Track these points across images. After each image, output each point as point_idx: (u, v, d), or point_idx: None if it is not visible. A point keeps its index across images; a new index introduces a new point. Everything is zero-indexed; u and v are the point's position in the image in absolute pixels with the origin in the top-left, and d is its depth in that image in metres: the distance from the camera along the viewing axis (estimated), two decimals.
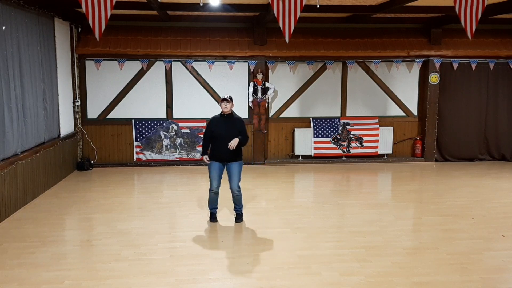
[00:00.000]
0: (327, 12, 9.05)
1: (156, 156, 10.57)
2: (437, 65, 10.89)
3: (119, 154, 10.60)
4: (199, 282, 4.77)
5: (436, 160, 11.24)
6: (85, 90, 10.35)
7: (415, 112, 11.32)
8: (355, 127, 10.97)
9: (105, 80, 10.37)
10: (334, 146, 10.94)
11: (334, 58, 10.69)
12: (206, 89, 10.60)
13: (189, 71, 10.57)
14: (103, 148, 10.55)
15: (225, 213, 7.01)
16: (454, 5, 5.56)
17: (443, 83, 11.03)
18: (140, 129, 10.47)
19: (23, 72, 7.40)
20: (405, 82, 11.19)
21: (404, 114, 11.31)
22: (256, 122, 10.70)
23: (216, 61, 10.49)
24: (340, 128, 10.94)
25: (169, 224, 6.71)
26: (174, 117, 10.61)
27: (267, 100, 10.66)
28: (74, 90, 10.04)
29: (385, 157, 11.23)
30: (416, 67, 11.10)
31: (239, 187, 6.49)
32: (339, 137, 10.94)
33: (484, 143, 11.29)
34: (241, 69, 10.66)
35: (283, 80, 10.87)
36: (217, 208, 6.72)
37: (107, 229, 6.37)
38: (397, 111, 11.27)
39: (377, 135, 10.98)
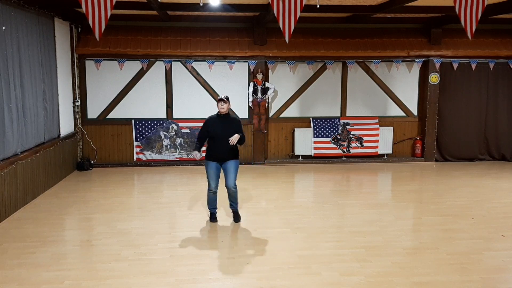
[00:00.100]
0: (327, 12, 9.05)
1: (156, 156, 10.57)
2: (437, 65, 10.89)
3: (119, 154, 10.61)
4: (199, 282, 4.77)
5: (436, 160, 11.24)
6: (85, 90, 10.36)
7: (415, 112, 11.33)
8: (355, 127, 10.97)
9: (105, 80, 10.38)
10: (334, 146, 10.94)
11: (334, 58, 10.70)
12: (206, 89, 10.61)
13: (189, 71, 10.57)
14: (103, 148, 10.55)
15: (225, 213, 7.00)
16: (454, 5, 5.56)
17: (443, 83, 11.03)
18: (140, 129, 10.48)
19: (23, 72, 7.40)
20: (405, 82, 11.20)
21: (404, 114, 11.31)
22: (256, 122, 10.70)
23: (216, 61, 10.49)
24: (340, 128, 10.94)
25: (169, 224, 6.71)
26: (174, 117, 10.61)
27: (267, 100, 10.66)
28: (74, 90, 10.04)
29: (385, 157, 11.23)
30: (416, 67, 11.10)
31: (235, 185, 6.48)
32: (339, 137, 10.94)
33: (484, 143, 11.29)
34: (241, 69, 10.66)
35: (283, 80, 10.88)
36: (216, 208, 6.72)
37: (107, 229, 6.37)
38: (397, 111, 11.28)
39: (377, 135, 10.99)
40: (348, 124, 10.96)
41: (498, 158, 11.32)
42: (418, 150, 11.23)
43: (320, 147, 10.88)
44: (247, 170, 10.19)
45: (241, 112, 10.73)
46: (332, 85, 11.01)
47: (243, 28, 10.71)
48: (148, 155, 10.55)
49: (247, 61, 10.56)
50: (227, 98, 6.41)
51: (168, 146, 10.57)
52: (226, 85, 10.63)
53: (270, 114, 10.94)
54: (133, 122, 10.47)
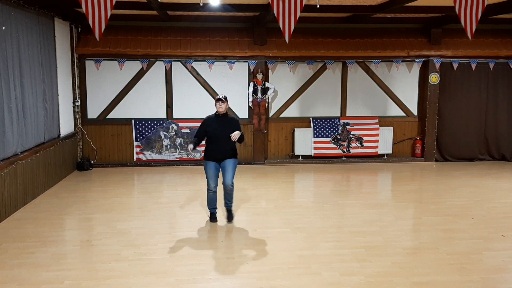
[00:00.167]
0: (327, 12, 9.05)
1: (156, 156, 10.57)
2: (437, 65, 10.89)
3: (119, 154, 10.61)
4: (199, 282, 4.77)
5: (436, 160, 11.24)
6: (85, 90, 10.36)
7: (415, 112, 11.33)
8: (355, 127, 10.97)
9: (105, 80, 10.38)
10: (334, 146, 10.94)
11: (334, 58, 10.70)
12: (206, 89, 10.61)
13: (189, 71, 10.57)
14: (103, 148, 10.55)
15: (225, 213, 7.00)
16: (454, 5, 5.56)
17: (443, 83, 11.03)
18: (140, 129, 10.48)
19: (23, 72, 7.40)
20: (405, 82, 11.20)
21: (404, 114, 11.31)
22: (256, 122, 10.70)
23: (216, 61, 10.49)
24: (340, 128, 10.94)
25: (169, 224, 6.71)
26: (174, 117, 10.61)
27: (267, 100, 10.66)
28: (74, 90, 10.04)
29: (385, 157, 11.23)
30: (416, 67, 11.11)
31: (232, 183, 6.47)
32: (339, 137, 10.94)
33: (484, 143, 11.29)
34: (241, 69, 10.66)
35: (283, 80, 10.88)
36: (216, 208, 6.72)
37: (107, 229, 6.37)
38: (397, 111, 11.28)
39: (377, 135, 10.99)
40: (348, 124, 10.96)
41: (498, 158, 11.32)
42: (418, 150, 11.23)
43: (320, 147, 10.89)
44: (247, 170, 10.19)
45: (241, 112, 10.73)
46: (332, 85, 11.01)
47: (243, 28, 10.71)
48: (148, 155, 10.55)
49: (247, 61, 10.56)
50: (225, 98, 6.41)
51: (168, 146, 10.57)
52: (226, 85, 10.63)
53: (270, 114, 10.94)
54: (133, 122, 10.47)
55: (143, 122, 10.48)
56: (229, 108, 10.40)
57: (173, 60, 10.43)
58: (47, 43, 8.48)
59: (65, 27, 9.54)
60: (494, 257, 5.45)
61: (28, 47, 7.59)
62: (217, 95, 6.97)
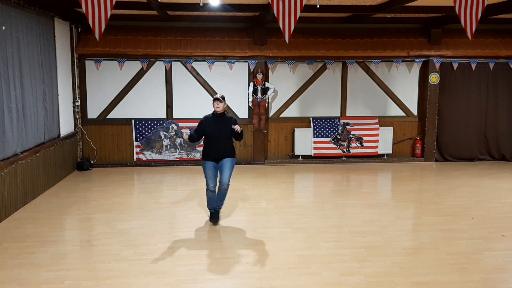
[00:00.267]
0: (327, 12, 9.05)
1: (156, 156, 10.57)
2: (437, 65, 10.89)
3: (119, 154, 10.61)
4: (199, 282, 4.77)
5: (436, 160, 11.24)
6: (85, 90, 10.35)
7: (415, 112, 11.33)
8: (355, 127, 10.97)
9: (105, 80, 10.38)
10: (334, 146, 10.94)
11: (334, 58, 10.70)
12: (206, 89, 10.61)
13: (189, 71, 10.57)
14: (103, 148, 10.55)
15: (225, 213, 7.00)
16: (454, 5, 5.56)
17: (443, 83, 11.03)
18: (140, 129, 10.48)
19: (23, 72, 7.40)
20: (405, 82, 11.20)
21: (404, 114, 11.31)
22: (256, 122, 10.70)
23: (216, 61, 10.49)
24: (340, 128, 10.94)
25: (169, 224, 6.71)
26: (174, 117, 10.61)
27: (267, 100, 10.66)
28: (74, 90, 10.04)
29: (385, 157, 11.23)
30: (416, 67, 11.11)
31: (228, 182, 6.44)
32: (339, 137, 10.94)
33: (484, 143, 11.30)
34: (241, 69, 10.66)
35: (283, 80, 10.88)
36: (222, 204, 6.69)
37: (107, 229, 6.37)
38: (397, 111, 11.28)
39: (377, 135, 10.99)
40: (348, 124, 10.96)
41: (498, 158, 11.32)
42: (418, 150, 11.23)
43: (320, 147, 10.88)
44: (247, 170, 10.19)
45: (241, 112, 10.73)
46: (332, 85, 11.01)
47: (243, 28, 10.71)
48: (148, 155, 10.55)
49: (247, 61, 10.56)
50: (223, 97, 6.41)
51: (168, 146, 10.57)
52: (226, 85, 10.63)
53: (270, 114, 10.94)
54: (133, 122, 10.47)
55: (143, 122, 10.48)
56: (228, 107, 10.55)
57: (173, 60, 10.43)
58: (47, 43, 8.48)
59: (65, 27, 9.54)
60: (494, 257, 5.45)
61: (28, 47, 7.59)
62: (215, 94, 6.97)
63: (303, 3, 5.42)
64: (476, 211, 7.25)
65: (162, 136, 10.53)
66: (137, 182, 9.37)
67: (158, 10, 8.73)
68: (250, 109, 10.72)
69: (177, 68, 10.54)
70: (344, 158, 11.07)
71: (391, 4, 8.29)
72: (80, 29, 10.13)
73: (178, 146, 10.59)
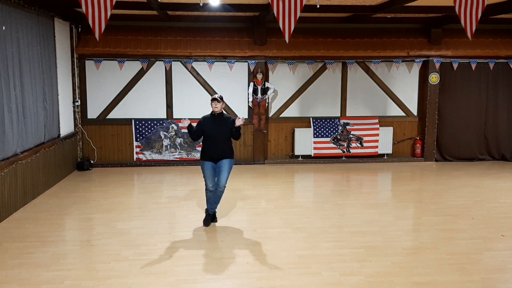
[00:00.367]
0: (327, 12, 9.05)
1: (156, 156, 10.57)
2: (437, 65, 10.89)
3: (119, 154, 10.61)
4: (199, 282, 4.77)
5: (436, 160, 11.24)
6: (85, 90, 10.36)
7: (415, 112, 11.33)
8: (355, 127, 10.97)
9: (105, 80, 10.38)
10: (334, 146, 10.94)
11: (334, 58, 10.70)
12: (206, 89, 10.61)
13: (189, 71, 10.57)
14: (103, 148, 10.55)
15: (225, 213, 7.01)
16: (454, 5, 5.56)
17: (443, 83, 11.04)
18: (140, 129, 10.48)
19: (23, 72, 7.40)
20: (405, 82, 11.20)
21: (404, 114, 11.31)
22: (256, 122, 10.70)
23: (216, 61, 10.49)
24: (340, 128, 10.94)
25: (169, 224, 6.71)
26: (174, 117, 10.61)
27: (267, 100, 10.66)
28: (74, 90, 10.04)
29: (385, 157, 11.23)
30: (416, 67, 11.11)
31: (225, 185, 6.41)
32: (339, 137, 10.94)
33: (484, 143, 11.30)
34: (241, 69, 10.66)
35: (283, 80, 10.88)
36: (216, 207, 6.70)
37: (107, 229, 6.37)
38: (397, 111, 11.28)
39: (377, 135, 10.99)
40: (348, 124, 10.96)
41: (498, 158, 11.32)
42: (418, 150, 11.23)
43: (320, 147, 10.88)
44: (247, 170, 10.19)
45: (241, 112, 10.72)
46: (332, 85, 11.01)
47: (243, 28, 10.71)
48: (148, 155, 10.55)
49: (247, 61, 10.56)
50: (221, 98, 6.41)
51: (168, 146, 10.57)
52: (226, 85, 10.63)
53: (270, 114, 10.94)
54: (133, 122, 10.47)
55: (143, 122, 10.48)
56: (228, 107, 10.55)
57: (173, 60, 10.43)
58: (47, 43, 8.48)
59: (65, 27, 9.54)
60: (494, 257, 5.45)
61: (28, 47, 7.59)
62: (214, 94, 6.97)
63: (303, 3, 5.41)
64: (476, 211, 7.25)
65: (162, 136, 10.53)
66: (137, 182, 9.37)
67: (158, 10, 8.73)
68: (250, 109, 10.72)
69: (177, 68, 10.54)
70: (344, 158, 11.07)
71: (391, 4, 8.29)
72: (80, 29, 10.13)
73: (178, 146, 10.60)
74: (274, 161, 10.94)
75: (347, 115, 11.12)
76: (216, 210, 6.66)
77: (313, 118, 10.96)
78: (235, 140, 6.64)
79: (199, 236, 6.14)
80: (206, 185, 6.49)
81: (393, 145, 11.19)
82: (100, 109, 10.45)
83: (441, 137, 11.18)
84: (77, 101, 10.12)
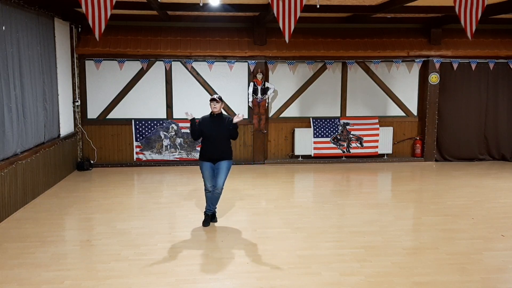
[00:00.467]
0: (327, 12, 9.05)
1: (156, 156, 10.57)
2: (437, 65, 10.89)
3: (119, 154, 10.61)
4: (199, 282, 4.77)
5: (436, 160, 11.24)
6: (85, 90, 10.36)
7: (415, 112, 11.33)
8: (355, 127, 10.97)
9: (105, 80, 10.38)
10: (334, 146, 10.94)
11: (334, 58, 10.70)
12: (206, 89, 10.60)
13: (189, 71, 10.57)
14: (103, 148, 10.55)
15: (225, 213, 7.01)
16: (454, 5, 5.56)
17: (443, 83, 11.04)
18: (140, 129, 10.48)
19: (23, 72, 7.40)
20: (405, 82, 11.20)
21: (404, 114, 11.31)
22: (256, 122, 10.70)
23: (216, 61, 10.49)
24: (340, 128, 10.94)
25: (169, 224, 6.71)
26: (174, 117, 10.61)
27: (267, 100, 10.66)
28: (74, 90, 10.04)
29: (385, 157, 11.23)
30: (416, 67, 11.11)
31: (222, 187, 6.41)
32: (339, 137, 10.94)
33: (484, 143, 11.30)
34: (241, 69, 10.66)
35: (283, 80, 10.87)
36: (215, 207, 6.70)
37: (107, 229, 6.37)
38: (397, 111, 11.28)
39: (377, 135, 10.99)
40: (348, 124, 10.96)
41: (498, 158, 11.32)
42: (418, 150, 11.23)
43: (320, 147, 10.88)
44: (247, 170, 10.19)
45: (241, 112, 10.72)
46: (332, 85, 11.01)
47: (243, 28, 10.71)
48: (148, 155, 10.55)
49: (247, 61, 10.56)
50: (220, 98, 6.42)
51: (168, 146, 10.57)
52: (226, 85, 10.63)
53: (270, 114, 10.94)
54: (133, 122, 10.47)
55: (143, 122, 10.48)
56: (228, 108, 10.54)
57: (173, 60, 10.43)
58: (47, 43, 8.48)
59: (65, 27, 9.53)
60: (494, 257, 5.45)
61: (28, 47, 7.59)
62: (213, 94, 6.97)
63: (303, 3, 5.41)
64: (476, 211, 7.25)
65: (162, 136, 10.53)
66: (137, 182, 9.37)
67: (158, 10, 8.73)
68: (250, 109, 10.72)
69: (177, 68, 10.54)
70: (344, 158, 11.07)
71: (391, 4, 8.29)
72: (80, 29, 10.13)
73: (178, 146, 10.59)
74: (274, 161, 10.94)
75: (347, 115, 11.12)
76: (216, 210, 6.68)
77: (313, 118, 10.95)
78: (233, 140, 6.63)
79: (199, 236, 6.14)
80: (205, 185, 6.49)
81: (393, 145, 11.19)
82: (100, 109, 10.45)
83: (441, 137, 11.18)
84: (77, 101, 10.12)
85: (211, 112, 6.45)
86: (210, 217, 6.57)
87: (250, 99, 10.57)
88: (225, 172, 6.39)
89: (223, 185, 6.41)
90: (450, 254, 5.50)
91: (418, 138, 11.27)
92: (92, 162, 10.37)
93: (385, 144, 11.07)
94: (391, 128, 11.11)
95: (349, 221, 6.84)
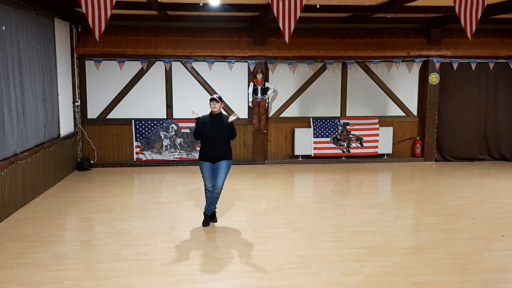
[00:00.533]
0: (327, 12, 9.05)
1: (156, 156, 10.57)
2: (437, 65, 10.89)
3: (119, 154, 10.61)
4: (199, 282, 4.77)
5: (436, 160, 11.24)
6: (85, 90, 10.36)
7: (415, 112, 11.33)
8: (355, 127, 10.97)
9: (105, 80, 10.38)
10: (334, 146, 10.94)
11: (334, 58, 10.70)
12: (206, 89, 10.60)
13: (189, 71, 10.57)
14: (103, 148, 10.55)
15: (225, 213, 7.01)
16: (454, 5, 5.56)
17: (443, 83, 11.04)
18: (140, 129, 10.48)
19: (23, 72, 7.40)
20: (405, 82, 11.20)
21: (404, 114, 11.31)
22: (256, 122, 10.70)
23: (216, 61, 10.49)
24: (340, 128, 10.94)
25: (169, 224, 6.71)
26: (174, 117, 10.61)
27: (267, 100, 10.66)
28: (74, 90, 10.04)
29: (385, 157, 11.23)
30: (416, 67, 11.11)
31: (222, 187, 6.40)
32: (339, 137, 10.94)
33: (484, 143, 11.30)
34: (241, 69, 10.66)
35: (283, 80, 10.87)
36: (215, 207, 6.70)
37: (107, 229, 6.37)
38: (397, 111, 11.28)
39: (377, 135, 10.98)
40: (348, 124, 10.96)
41: (498, 158, 11.32)
42: (418, 150, 11.23)
43: (320, 147, 10.88)
44: (247, 170, 10.19)
45: (241, 112, 10.71)
46: (332, 85, 11.01)
47: (243, 28, 10.71)
48: (148, 155, 10.55)
49: (247, 61, 10.56)
50: (220, 98, 6.42)
51: (168, 146, 10.57)
52: (226, 85, 10.63)
53: (270, 114, 10.94)
54: (133, 122, 10.47)
55: (143, 122, 10.48)
56: (228, 108, 10.54)
57: (173, 60, 10.43)
58: (47, 43, 8.48)
59: (65, 27, 9.53)
60: (494, 257, 5.45)
61: (28, 47, 7.59)
62: (213, 94, 6.97)
63: (303, 3, 5.42)
64: (476, 211, 7.25)
65: (162, 136, 10.53)
66: (137, 182, 9.37)
67: (158, 10, 8.73)
68: (250, 109, 10.72)
69: (177, 68, 10.54)
70: (344, 158, 11.07)
71: (391, 4, 8.29)
72: (80, 29, 10.13)
73: (178, 146, 10.59)
74: (274, 161, 10.94)
75: (347, 115, 11.12)
76: (216, 210, 6.68)
77: (313, 118, 10.95)
78: (232, 140, 6.63)
79: (199, 236, 6.14)
80: (205, 185, 6.49)
81: (393, 145, 11.19)
82: (100, 109, 10.45)
83: (441, 137, 11.18)
84: (77, 101, 10.12)
85: (211, 112, 6.45)
86: (209, 217, 6.57)
87: (250, 99, 10.58)
88: (225, 172, 6.39)
89: (222, 185, 6.41)
90: (450, 254, 5.50)
91: (418, 138, 11.27)
92: (92, 162, 10.37)
93: (385, 144, 11.07)
94: (391, 128, 11.11)
95: (349, 221, 6.84)
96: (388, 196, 8.53)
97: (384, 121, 11.16)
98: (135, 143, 10.51)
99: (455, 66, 10.92)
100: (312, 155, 10.91)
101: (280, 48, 10.44)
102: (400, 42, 10.84)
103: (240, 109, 10.70)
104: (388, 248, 5.68)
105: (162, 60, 10.40)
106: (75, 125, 10.15)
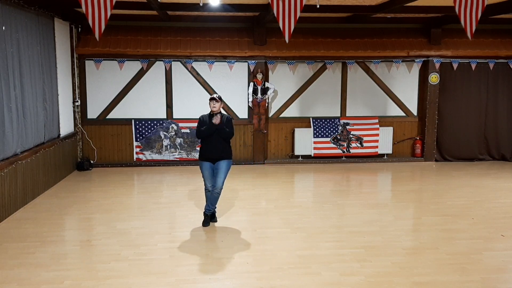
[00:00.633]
0: (327, 12, 9.05)
1: (156, 156, 10.57)
2: (437, 65, 10.89)
3: (119, 154, 10.61)
4: (199, 282, 4.77)
5: (436, 160, 11.24)
6: (85, 90, 10.36)
7: (415, 112, 11.33)
8: (355, 127, 10.97)
9: (105, 80, 10.38)
10: (334, 146, 10.94)
11: (334, 58, 10.70)
12: (206, 89, 10.60)
13: (189, 71, 10.57)
14: (103, 148, 10.55)
15: (225, 213, 7.01)
16: (454, 5, 5.56)
17: (443, 83, 11.04)
18: (140, 129, 10.48)
19: (23, 72, 7.40)
20: (405, 82, 11.20)
21: (404, 114, 11.31)
22: (256, 122, 10.70)
23: (216, 61, 10.49)
24: (340, 128, 10.94)
25: (169, 224, 6.71)
26: (174, 117, 10.61)
27: (267, 100, 10.66)
28: (74, 90, 10.04)
29: (385, 157, 11.23)
30: (416, 67, 11.11)
31: (221, 187, 6.40)
32: (339, 137, 10.94)
33: (484, 143, 11.30)
34: (241, 69, 10.66)
35: (283, 80, 10.87)
36: (215, 207, 6.70)
37: (107, 229, 6.37)
38: (397, 111, 11.28)
39: (377, 135, 10.99)
40: (348, 124, 10.96)
41: (498, 158, 11.32)
42: (418, 150, 11.23)
43: (320, 147, 10.88)
44: (247, 170, 10.19)
45: (241, 112, 10.73)
46: (332, 85, 11.01)
47: (243, 28, 10.71)
48: (148, 155, 10.55)
49: (247, 61, 10.56)
50: (219, 97, 6.42)
51: (168, 146, 10.57)
52: (226, 85, 10.63)
53: (270, 114, 10.94)
54: (133, 122, 10.47)
55: (143, 122, 10.48)
56: (228, 107, 10.54)
57: (173, 60, 10.43)
58: (47, 43, 8.48)
59: (65, 27, 9.53)
60: (494, 257, 5.45)
61: (28, 47, 7.59)
62: (213, 94, 6.97)
63: (303, 3, 5.41)
64: (476, 211, 7.25)
65: (162, 136, 10.53)
66: (137, 182, 9.37)
67: (158, 10, 8.73)
68: (250, 109, 10.72)
69: (177, 68, 10.54)
70: (344, 158, 11.07)
71: (391, 4, 8.29)
72: (80, 29, 10.13)
73: (178, 146, 10.60)
74: (274, 161, 10.94)
75: (347, 115, 11.12)
76: (216, 210, 6.68)
77: (313, 118, 10.96)
78: (232, 140, 6.61)
79: (199, 236, 6.14)
80: (205, 185, 6.49)
81: (393, 145, 11.19)
82: (100, 109, 10.45)
83: (441, 137, 11.18)
84: (77, 101, 10.12)
85: (211, 112, 6.45)
86: (209, 217, 6.57)
87: (250, 99, 10.58)
88: (225, 172, 6.39)
89: (222, 184, 6.41)
90: (450, 254, 5.50)
91: (418, 138, 11.27)
92: (92, 162, 10.37)
93: (385, 144, 11.07)
94: (391, 128, 11.11)
95: (349, 221, 6.84)
96: (388, 196, 8.53)
97: (384, 121, 11.16)
98: (135, 143, 10.52)
99: (455, 66, 10.92)
100: (312, 155, 10.91)
101: (280, 48, 10.44)
102: (400, 42, 10.84)
103: (240, 109, 10.71)
104: (388, 248, 5.68)
105: (162, 60, 10.40)
106: (75, 125, 10.16)
